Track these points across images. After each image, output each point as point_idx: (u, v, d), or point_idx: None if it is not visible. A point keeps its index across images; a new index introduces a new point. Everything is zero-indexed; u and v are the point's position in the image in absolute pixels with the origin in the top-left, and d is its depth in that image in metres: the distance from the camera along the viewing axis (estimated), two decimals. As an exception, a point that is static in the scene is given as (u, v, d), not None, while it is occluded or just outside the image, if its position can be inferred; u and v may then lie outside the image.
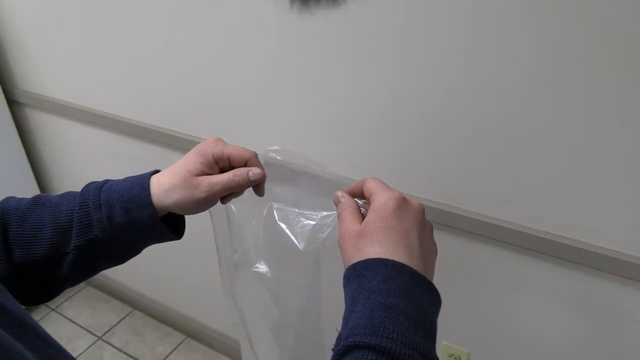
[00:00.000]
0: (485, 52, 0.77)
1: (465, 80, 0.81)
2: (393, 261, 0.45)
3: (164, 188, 0.54)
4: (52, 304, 1.93)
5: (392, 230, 0.47)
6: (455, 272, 1.02)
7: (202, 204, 0.56)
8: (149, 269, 1.73)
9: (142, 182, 0.55)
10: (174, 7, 1.08)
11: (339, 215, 0.52)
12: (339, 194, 0.54)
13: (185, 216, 0.60)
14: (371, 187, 0.51)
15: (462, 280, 1.02)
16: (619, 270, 0.82)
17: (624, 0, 0.65)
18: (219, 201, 0.58)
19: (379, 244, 0.46)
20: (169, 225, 0.57)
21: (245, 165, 0.56)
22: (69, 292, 1.99)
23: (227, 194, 0.58)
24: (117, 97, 1.36)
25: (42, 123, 1.65)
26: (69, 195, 0.56)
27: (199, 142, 1.30)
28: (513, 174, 0.85)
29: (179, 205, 0.54)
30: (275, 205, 0.62)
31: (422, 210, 0.51)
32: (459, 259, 0.99)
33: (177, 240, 0.61)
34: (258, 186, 0.58)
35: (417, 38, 0.82)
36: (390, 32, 0.84)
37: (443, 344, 1.12)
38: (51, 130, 1.64)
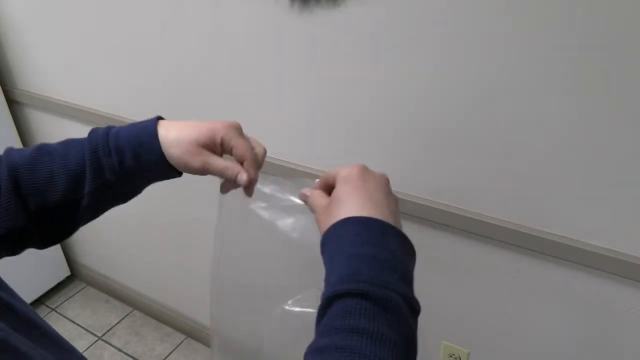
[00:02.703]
0: (485, 53, 0.77)
1: (466, 80, 0.81)
2: (359, 216, 0.47)
3: (170, 138, 0.56)
4: (52, 304, 1.93)
5: (358, 190, 0.50)
6: (455, 272, 1.02)
7: (190, 171, 0.58)
8: (148, 269, 1.73)
9: (149, 130, 0.57)
10: (173, 7, 1.08)
11: (311, 202, 0.56)
12: (304, 191, 0.58)
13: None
14: (332, 171, 0.55)
15: (462, 280, 1.02)
16: (619, 270, 0.82)
17: None
18: (220, 190, 0.61)
19: (346, 205, 0.49)
20: None
21: (242, 160, 0.58)
22: (68, 292, 1.99)
23: (227, 184, 0.61)
24: (117, 97, 1.36)
25: (42, 123, 1.65)
26: (74, 142, 0.57)
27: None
28: (513, 174, 0.85)
29: (173, 158, 0.57)
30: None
31: (386, 177, 0.54)
32: (459, 259, 0.99)
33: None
34: (248, 187, 0.60)
35: (418, 38, 0.82)
36: (391, 32, 0.84)
37: (443, 344, 1.12)
38: (51, 130, 1.64)
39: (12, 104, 1.65)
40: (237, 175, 0.57)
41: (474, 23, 0.76)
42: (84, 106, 1.44)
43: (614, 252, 0.82)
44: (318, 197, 0.54)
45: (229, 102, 1.13)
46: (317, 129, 1.03)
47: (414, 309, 0.43)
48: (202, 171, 0.57)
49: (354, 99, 0.94)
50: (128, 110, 1.35)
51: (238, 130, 0.58)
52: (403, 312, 0.40)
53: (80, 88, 1.43)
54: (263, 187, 0.63)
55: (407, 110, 0.90)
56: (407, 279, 0.45)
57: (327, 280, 0.45)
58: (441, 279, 1.03)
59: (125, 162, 0.55)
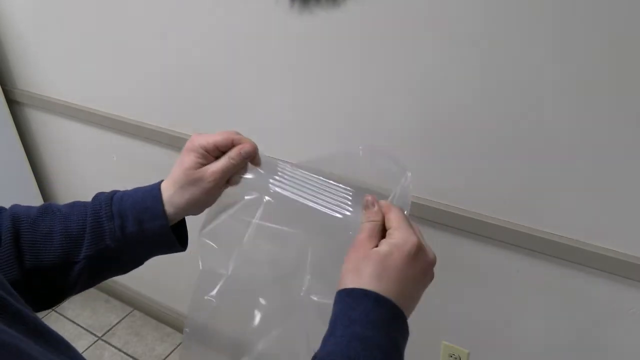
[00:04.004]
0: (485, 52, 0.77)
1: (466, 81, 0.81)
2: (378, 295, 0.46)
3: (171, 192, 0.56)
4: (52, 304, 1.93)
5: (397, 272, 0.47)
6: (455, 272, 1.02)
7: (211, 194, 0.58)
8: (148, 269, 1.72)
9: (153, 193, 0.57)
10: (174, 7, 1.08)
11: (363, 222, 0.52)
12: (370, 198, 0.53)
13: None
14: (393, 218, 0.51)
15: (462, 281, 1.02)
16: (619, 270, 0.82)
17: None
18: (229, 184, 0.60)
19: (377, 277, 0.47)
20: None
21: (232, 145, 0.58)
22: (69, 292, 2.00)
23: (232, 176, 0.60)
24: (117, 97, 1.36)
25: (42, 123, 1.65)
26: (78, 205, 0.57)
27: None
28: (513, 174, 0.85)
29: (192, 203, 0.57)
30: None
31: (433, 262, 0.51)
32: (459, 259, 0.99)
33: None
34: (253, 159, 0.60)
35: (417, 37, 0.82)
36: (390, 32, 0.84)
37: (443, 344, 1.12)
38: (51, 130, 1.64)
39: (12, 104, 1.65)
40: (241, 152, 0.57)
41: (473, 23, 0.76)
42: (84, 106, 1.44)
43: (614, 252, 0.82)
44: (367, 233, 0.50)
45: (229, 102, 1.13)
46: (317, 129, 1.03)
47: None
48: (217, 180, 0.57)
49: (354, 98, 0.94)
50: (128, 111, 1.35)
51: (203, 134, 0.59)
52: None
53: (80, 88, 1.43)
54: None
55: (407, 110, 0.90)
56: None
57: (325, 342, 0.45)
58: (441, 279, 1.03)
59: (127, 227, 0.55)
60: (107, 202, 0.56)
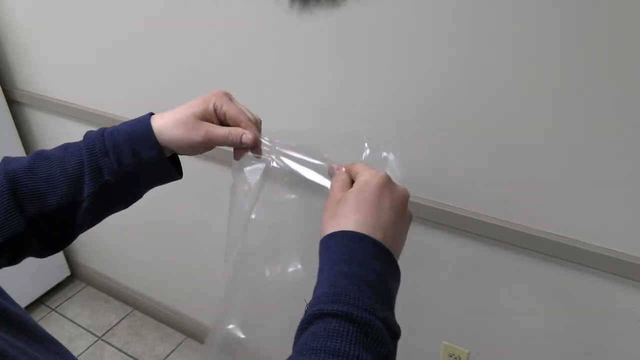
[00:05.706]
0: (486, 51, 0.77)
1: (466, 80, 0.81)
2: (358, 233, 0.46)
3: (167, 122, 0.57)
4: (52, 304, 1.93)
5: (370, 203, 0.48)
6: (455, 272, 1.02)
7: (194, 148, 0.58)
8: (148, 268, 1.73)
9: (143, 124, 0.57)
10: (174, 7, 1.08)
11: (332, 185, 0.54)
12: (335, 166, 0.56)
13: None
14: (358, 167, 0.54)
15: (463, 280, 1.02)
16: (619, 270, 0.82)
17: None
18: (233, 157, 0.60)
19: (352, 212, 0.48)
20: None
21: (239, 125, 0.58)
22: (69, 292, 1.99)
23: (237, 151, 0.60)
24: (118, 97, 1.36)
25: (42, 123, 1.65)
26: (71, 146, 0.57)
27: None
28: (513, 174, 0.85)
29: (175, 142, 0.57)
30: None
31: (406, 195, 0.52)
32: (459, 259, 0.99)
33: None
34: (254, 148, 0.60)
35: (417, 37, 0.82)
36: (390, 32, 0.84)
37: (443, 344, 1.12)
38: (51, 130, 1.64)
39: (12, 104, 1.65)
40: (242, 137, 0.57)
41: (476, 24, 0.76)
42: (84, 106, 1.44)
43: (614, 252, 0.82)
44: (337, 188, 0.52)
45: (229, 102, 1.13)
46: (317, 129, 1.03)
47: (394, 332, 0.43)
48: (207, 142, 0.57)
49: (354, 99, 0.95)
50: (129, 110, 1.35)
51: (228, 96, 0.59)
52: (383, 336, 0.41)
53: (80, 88, 1.43)
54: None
55: (407, 110, 0.90)
56: (390, 304, 0.45)
57: (315, 291, 0.46)
58: (441, 278, 1.03)
59: (124, 160, 0.55)
60: (99, 138, 0.56)
